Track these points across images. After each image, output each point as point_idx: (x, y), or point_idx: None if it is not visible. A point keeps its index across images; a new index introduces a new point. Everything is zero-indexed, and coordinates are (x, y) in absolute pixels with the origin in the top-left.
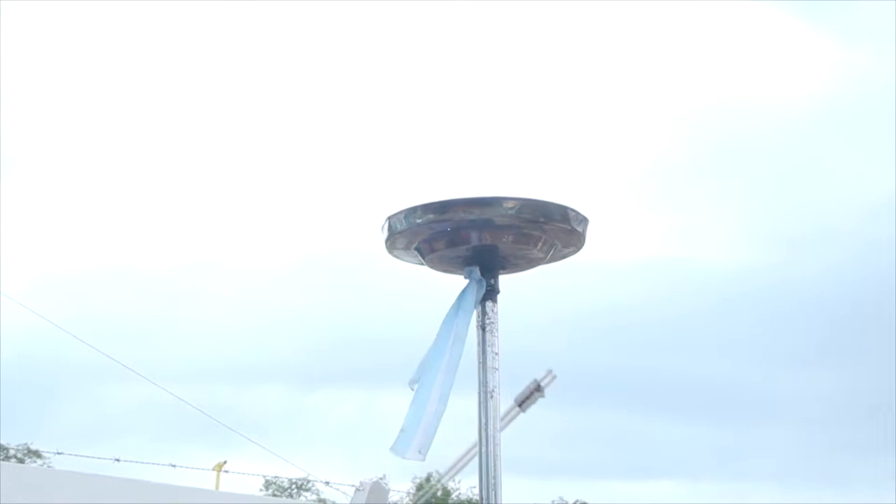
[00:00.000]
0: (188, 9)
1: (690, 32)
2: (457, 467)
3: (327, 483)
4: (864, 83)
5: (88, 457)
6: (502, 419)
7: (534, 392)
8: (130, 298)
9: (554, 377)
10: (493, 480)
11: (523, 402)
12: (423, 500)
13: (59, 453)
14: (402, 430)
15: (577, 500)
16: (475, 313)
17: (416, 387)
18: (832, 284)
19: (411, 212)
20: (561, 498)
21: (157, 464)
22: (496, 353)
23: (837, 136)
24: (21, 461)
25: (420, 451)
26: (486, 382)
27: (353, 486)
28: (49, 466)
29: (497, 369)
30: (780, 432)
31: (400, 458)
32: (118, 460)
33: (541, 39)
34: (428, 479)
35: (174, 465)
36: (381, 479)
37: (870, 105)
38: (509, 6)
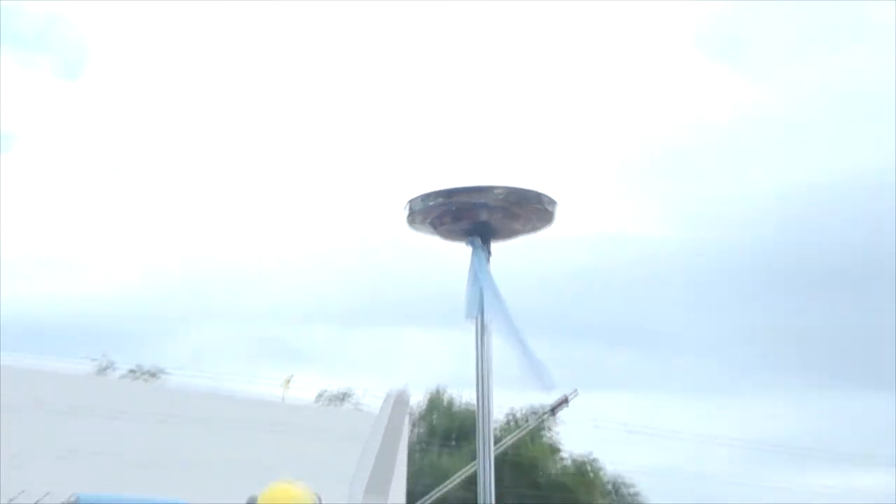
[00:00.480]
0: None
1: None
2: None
3: (364, 393)
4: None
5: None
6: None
7: (562, 403)
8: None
9: (577, 394)
10: (486, 392)
11: (554, 409)
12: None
13: (172, 372)
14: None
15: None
16: (477, 279)
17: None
18: (736, 255)
19: (426, 196)
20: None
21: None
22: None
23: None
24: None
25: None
26: (483, 320)
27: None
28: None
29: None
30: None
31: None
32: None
33: (526, 43)
34: (437, 392)
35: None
36: (403, 389)
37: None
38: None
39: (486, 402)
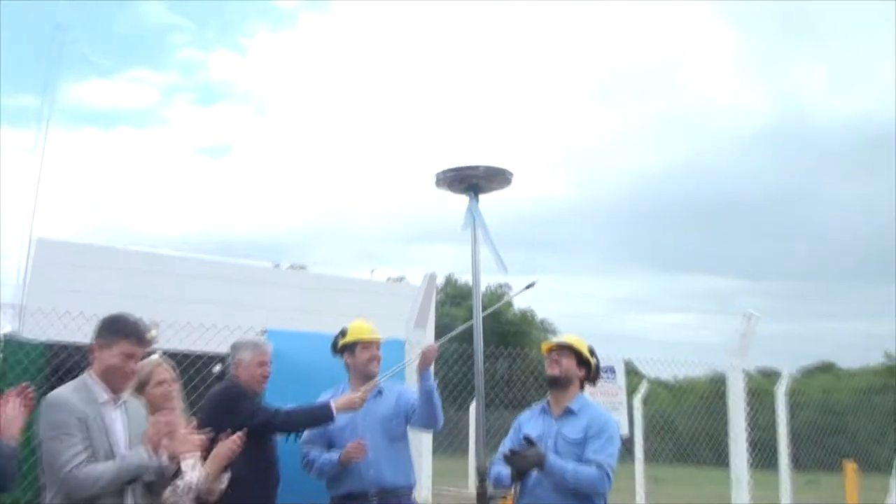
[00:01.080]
0: None
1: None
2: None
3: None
4: None
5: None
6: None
7: (529, 286)
8: None
9: (535, 284)
10: (477, 277)
11: (527, 287)
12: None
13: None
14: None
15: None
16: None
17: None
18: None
19: (446, 171)
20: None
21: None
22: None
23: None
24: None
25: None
26: (476, 240)
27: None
28: None
29: (478, 240)
30: None
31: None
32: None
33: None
34: (449, 277)
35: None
36: (433, 273)
37: None
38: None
39: (476, 279)
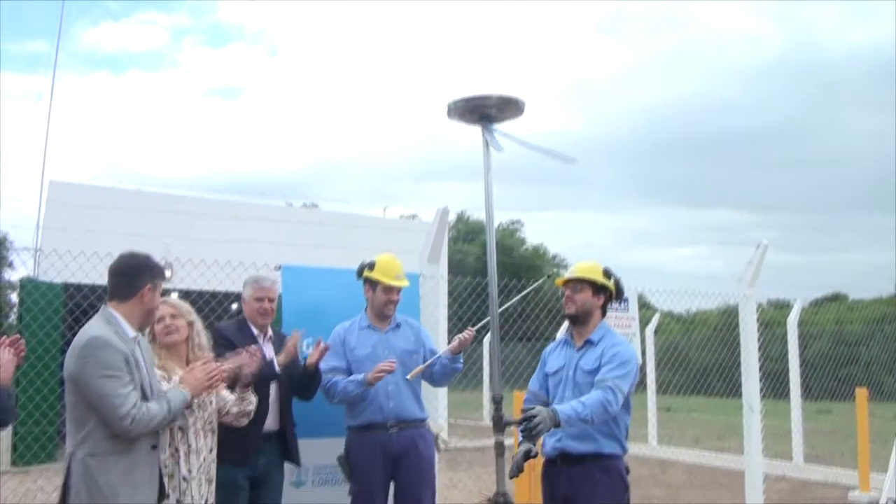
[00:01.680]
0: None
1: None
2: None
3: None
4: None
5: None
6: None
7: (544, 280)
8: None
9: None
10: (490, 208)
11: (537, 284)
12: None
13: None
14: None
15: None
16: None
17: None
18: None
19: (457, 101)
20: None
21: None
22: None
23: None
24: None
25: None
26: (489, 166)
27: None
28: None
29: (490, 167)
30: None
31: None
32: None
33: None
34: (461, 214)
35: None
36: (445, 207)
37: None
38: None
39: (490, 211)
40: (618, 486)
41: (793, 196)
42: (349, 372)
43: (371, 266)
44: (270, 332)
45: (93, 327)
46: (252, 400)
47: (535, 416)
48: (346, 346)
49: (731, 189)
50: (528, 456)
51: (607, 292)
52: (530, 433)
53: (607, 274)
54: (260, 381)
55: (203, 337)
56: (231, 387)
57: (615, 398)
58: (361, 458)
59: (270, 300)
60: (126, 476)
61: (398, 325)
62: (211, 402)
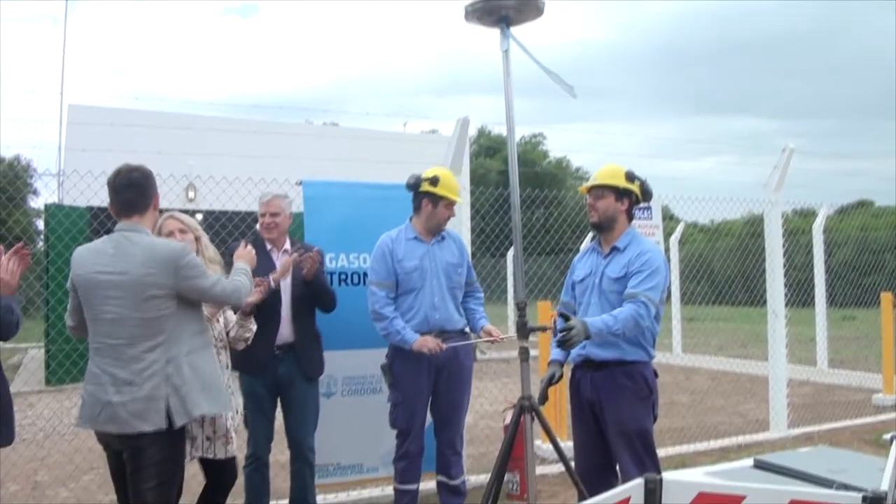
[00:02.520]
0: None
1: None
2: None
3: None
4: None
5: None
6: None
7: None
8: None
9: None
10: (511, 112)
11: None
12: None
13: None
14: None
15: None
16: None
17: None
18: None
19: (475, 2)
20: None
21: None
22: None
23: None
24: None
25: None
26: (509, 73)
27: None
28: None
29: (510, 72)
30: None
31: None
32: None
33: None
34: (482, 128)
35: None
36: (465, 117)
37: None
38: None
39: (511, 119)
40: (642, 392)
41: (821, 102)
42: (396, 285)
43: (434, 181)
44: (287, 246)
45: (161, 240)
46: (251, 328)
47: (571, 328)
48: (393, 256)
49: (757, 97)
50: (551, 382)
51: (632, 196)
52: (564, 343)
53: (630, 177)
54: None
55: (212, 251)
56: (234, 309)
57: (647, 311)
58: (405, 367)
59: (273, 214)
60: (215, 362)
61: (443, 238)
62: (219, 320)
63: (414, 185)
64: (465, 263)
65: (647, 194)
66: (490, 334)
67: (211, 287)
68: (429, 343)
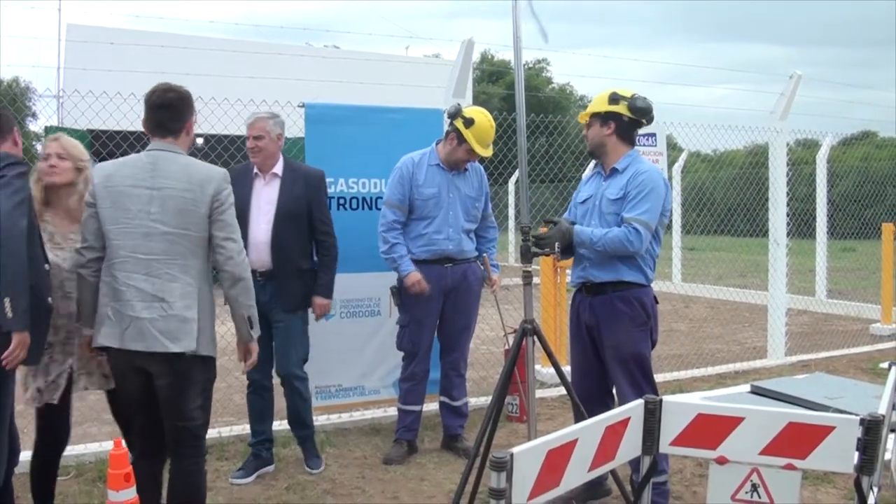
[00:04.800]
0: None
1: None
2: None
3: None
4: None
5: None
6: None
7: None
8: None
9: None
10: (519, 42)
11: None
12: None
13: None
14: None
15: None
16: None
17: None
18: None
19: None
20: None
21: None
22: None
23: None
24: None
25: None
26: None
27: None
28: None
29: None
30: None
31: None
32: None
33: None
34: (485, 53)
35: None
36: (470, 38)
37: None
38: None
39: (518, 43)
40: (639, 317)
41: (835, 29)
42: (409, 209)
43: (469, 122)
44: (278, 170)
45: (200, 161)
46: None
47: (553, 224)
48: (413, 181)
49: (772, 22)
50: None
51: (618, 118)
52: (539, 243)
53: (613, 98)
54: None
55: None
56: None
57: (638, 238)
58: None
59: (256, 138)
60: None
61: (465, 169)
62: None
63: (451, 116)
64: (483, 196)
65: (637, 111)
66: (488, 271)
67: (234, 231)
68: (417, 287)
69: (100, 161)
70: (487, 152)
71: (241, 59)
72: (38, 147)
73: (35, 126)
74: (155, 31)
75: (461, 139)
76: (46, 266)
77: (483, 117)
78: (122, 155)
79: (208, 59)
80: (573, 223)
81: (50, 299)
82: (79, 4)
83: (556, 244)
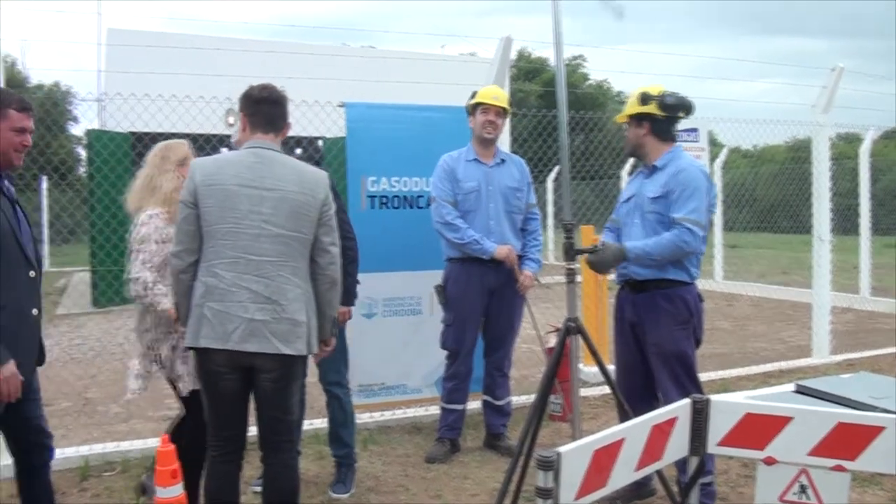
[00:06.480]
0: None
1: None
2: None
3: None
4: None
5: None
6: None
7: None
8: None
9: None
10: (560, 37)
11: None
12: None
13: None
14: None
15: None
16: None
17: None
18: None
19: None
20: None
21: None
22: None
23: None
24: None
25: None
26: None
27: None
28: None
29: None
30: None
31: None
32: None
33: None
34: (522, 51)
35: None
36: (508, 37)
37: None
38: None
39: (559, 37)
40: (681, 315)
41: (873, 20)
42: (454, 202)
43: (472, 96)
44: None
45: (305, 163)
46: None
47: (597, 249)
48: (454, 175)
49: (810, 14)
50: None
51: (651, 118)
52: (592, 265)
53: (644, 99)
54: None
55: None
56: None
57: (692, 236)
58: (459, 288)
59: None
60: None
61: (503, 161)
62: None
63: (466, 110)
64: (524, 187)
65: (668, 108)
66: (524, 284)
67: (336, 236)
68: (512, 256)
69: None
70: (500, 102)
71: (279, 59)
72: (80, 150)
73: (76, 129)
74: (193, 34)
75: (472, 109)
76: (31, 272)
77: (483, 87)
78: None
79: (245, 60)
80: (619, 241)
81: (35, 310)
82: (117, 9)
83: (612, 268)
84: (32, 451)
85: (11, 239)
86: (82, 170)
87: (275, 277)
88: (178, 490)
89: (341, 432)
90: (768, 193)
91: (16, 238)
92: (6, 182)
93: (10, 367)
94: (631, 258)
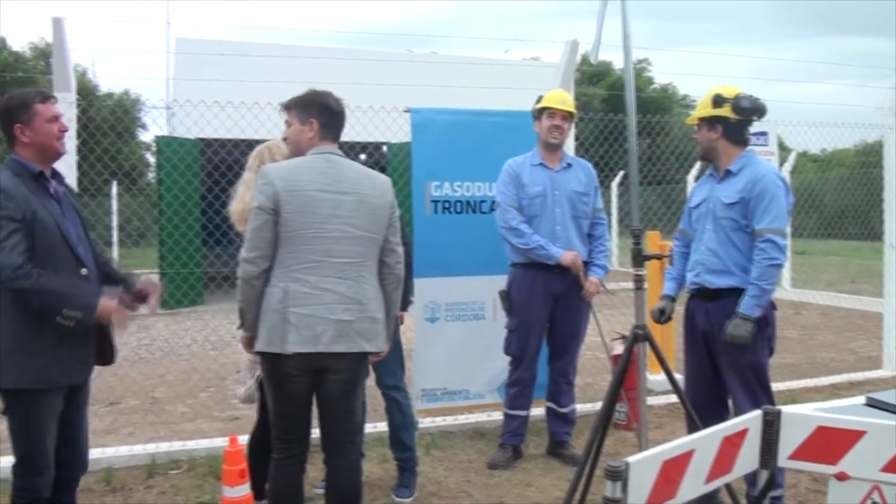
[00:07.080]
0: None
1: None
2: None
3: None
4: None
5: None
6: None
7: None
8: None
9: None
10: (628, 40)
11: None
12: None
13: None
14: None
15: None
16: None
17: None
18: None
19: None
20: None
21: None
22: None
23: None
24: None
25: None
26: None
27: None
28: None
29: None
30: None
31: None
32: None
33: None
34: (585, 55)
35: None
36: (574, 40)
37: None
38: None
39: (627, 43)
40: (758, 324)
41: None
42: (521, 208)
43: (538, 101)
44: None
45: (369, 169)
46: None
47: (738, 336)
48: (519, 180)
49: (876, 13)
50: (661, 317)
51: (725, 121)
52: (738, 342)
53: (717, 101)
54: None
55: None
56: None
57: (778, 248)
58: (523, 294)
59: None
60: None
61: (569, 165)
62: None
63: (532, 115)
64: (591, 192)
65: (742, 112)
66: (589, 290)
67: (400, 239)
68: (578, 262)
69: (211, 168)
70: (567, 107)
71: (345, 66)
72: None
73: (146, 136)
74: (260, 42)
75: (538, 114)
76: (83, 270)
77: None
78: (233, 162)
79: (312, 67)
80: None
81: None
82: (187, 18)
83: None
84: (63, 461)
85: (59, 239)
86: (151, 175)
87: (356, 278)
88: (245, 490)
89: (402, 435)
90: (837, 199)
91: (64, 237)
92: (54, 183)
93: (105, 301)
94: (755, 314)
